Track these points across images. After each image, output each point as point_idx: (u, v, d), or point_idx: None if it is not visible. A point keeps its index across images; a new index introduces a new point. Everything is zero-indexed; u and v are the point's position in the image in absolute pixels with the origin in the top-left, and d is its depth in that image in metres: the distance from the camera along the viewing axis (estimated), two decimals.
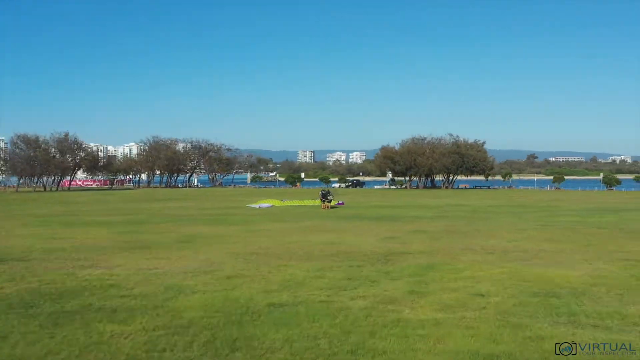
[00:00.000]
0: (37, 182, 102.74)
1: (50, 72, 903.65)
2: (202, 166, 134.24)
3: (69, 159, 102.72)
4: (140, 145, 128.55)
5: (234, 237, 22.99)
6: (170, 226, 28.14)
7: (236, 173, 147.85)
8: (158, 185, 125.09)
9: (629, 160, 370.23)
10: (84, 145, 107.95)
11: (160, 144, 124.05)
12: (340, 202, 48.81)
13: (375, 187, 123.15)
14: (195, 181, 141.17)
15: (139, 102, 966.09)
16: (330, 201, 43.20)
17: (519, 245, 19.96)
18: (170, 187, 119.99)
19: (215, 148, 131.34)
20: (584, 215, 34.99)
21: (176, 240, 22.00)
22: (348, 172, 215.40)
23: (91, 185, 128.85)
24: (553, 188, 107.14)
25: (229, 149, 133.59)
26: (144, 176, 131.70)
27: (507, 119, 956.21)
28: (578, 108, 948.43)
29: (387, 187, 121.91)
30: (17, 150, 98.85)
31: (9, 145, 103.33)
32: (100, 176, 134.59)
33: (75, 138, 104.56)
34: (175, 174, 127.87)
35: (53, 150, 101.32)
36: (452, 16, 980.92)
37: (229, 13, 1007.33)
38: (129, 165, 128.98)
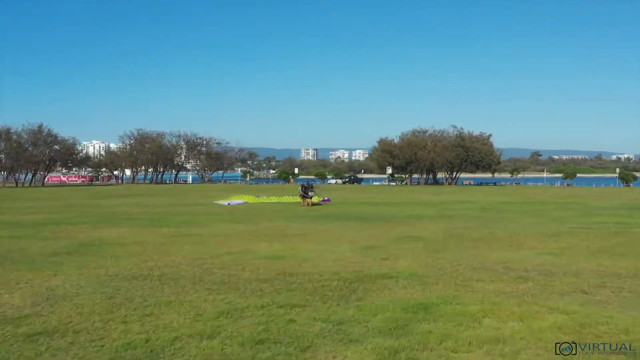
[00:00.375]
0: (7, 177, 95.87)
1: (50, 72, 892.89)
2: (190, 161, 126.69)
3: (42, 152, 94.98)
4: (124, 139, 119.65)
5: (147, 244, 16.14)
6: (81, 228, 21.25)
7: (229, 169, 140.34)
8: (142, 181, 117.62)
9: (632, 158, 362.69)
10: (59, 138, 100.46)
11: (145, 137, 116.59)
12: (326, 198, 41.94)
13: (375, 183, 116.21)
14: (190, 178, 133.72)
15: (141, 102, 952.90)
16: (311, 197, 36.34)
17: (563, 261, 13.02)
18: (155, 183, 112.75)
19: (204, 142, 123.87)
20: (623, 215, 27.99)
21: (57, 250, 15.16)
22: (349, 170, 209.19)
23: (76, 181, 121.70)
24: (565, 184, 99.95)
25: (218, 143, 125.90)
26: (128, 172, 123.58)
27: (509, 118, 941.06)
28: (580, 107, 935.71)
29: (386, 183, 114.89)
30: None
31: None
32: (85, 172, 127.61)
33: (49, 130, 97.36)
34: (162, 170, 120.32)
35: (25, 143, 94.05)
36: (452, 16, 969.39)
37: (231, 13, 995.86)
38: (112, 160, 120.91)
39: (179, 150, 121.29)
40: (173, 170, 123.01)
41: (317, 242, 16.59)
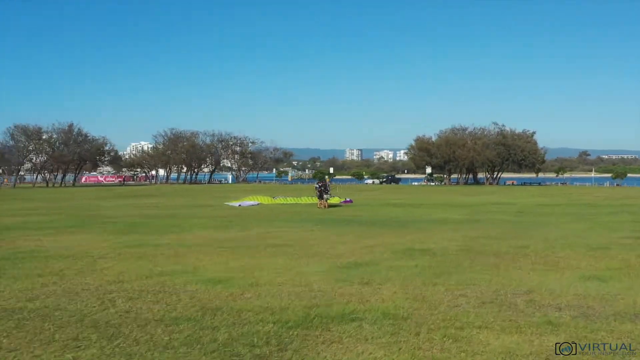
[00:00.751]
0: (37, 177, 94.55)
1: (82, 73, 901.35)
2: (225, 160, 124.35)
3: (72, 152, 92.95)
4: (157, 138, 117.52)
5: (79, 259, 12.95)
6: (34, 235, 18.15)
7: (274, 170, 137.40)
8: (175, 181, 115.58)
9: None
10: (89, 138, 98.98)
11: (178, 137, 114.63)
12: (348, 199, 38.45)
13: (413, 183, 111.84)
14: (230, 178, 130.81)
15: (184, 100, 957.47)
16: (327, 199, 32.83)
17: (614, 290, 9.24)
18: (189, 183, 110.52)
19: (239, 141, 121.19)
20: None
21: None
22: (392, 169, 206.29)
23: (113, 181, 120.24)
24: (614, 185, 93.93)
25: (252, 142, 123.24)
26: (162, 172, 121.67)
27: (557, 117, 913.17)
28: (629, 106, 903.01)
29: (425, 183, 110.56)
30: (13, 143, 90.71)
31: (2, 137, 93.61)
32: (122, 172, 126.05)
33: (79, 129, 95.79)
34: (196, 169, 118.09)
35: (55, 142, 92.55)
36: (503, 14, 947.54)
37: (262, 12, 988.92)
38: (145, 160, 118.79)
39: (213, 150, 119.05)
40: (206, 170, 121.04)
41: (293, 257, 13.10)
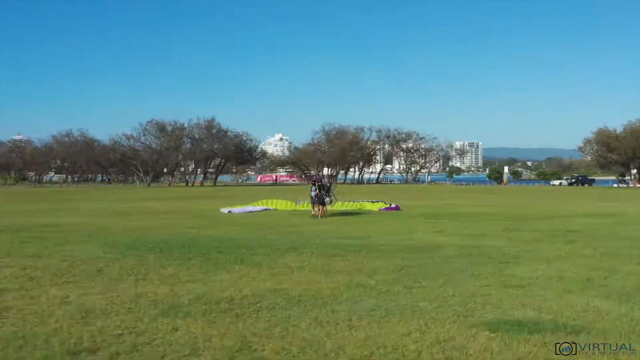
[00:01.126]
0: (172, 175, 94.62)
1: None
2: (394, 159, 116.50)
3: (208, 148, 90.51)
4: (316, 134, 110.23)
5: None
6: None
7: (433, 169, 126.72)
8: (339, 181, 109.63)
9: None
10: (229, 134, 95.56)
11: (339, 132, 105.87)
12: (394, 205, 29.97)
13: (614, 185, 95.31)
14: (425, 178, 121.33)
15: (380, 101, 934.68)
16: (330, 203, 25.29)
17: None
18: (353, 183, 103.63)
19: (407, 136, 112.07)
20: None
21: None
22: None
23: (287, 180, 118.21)
24: None
25: (422, 138, 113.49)
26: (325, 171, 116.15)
27: None
28: None
29: (617, 185, 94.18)
30: (145, 139, 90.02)
31: (137, 133, 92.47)
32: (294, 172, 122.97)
33: (219, 125, 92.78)
34: (360, 168, 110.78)
35: (194, 137, 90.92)
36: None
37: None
38: (298, 159, 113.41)
39: (378, 147, 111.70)
40: (366, 169, 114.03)
41: None
